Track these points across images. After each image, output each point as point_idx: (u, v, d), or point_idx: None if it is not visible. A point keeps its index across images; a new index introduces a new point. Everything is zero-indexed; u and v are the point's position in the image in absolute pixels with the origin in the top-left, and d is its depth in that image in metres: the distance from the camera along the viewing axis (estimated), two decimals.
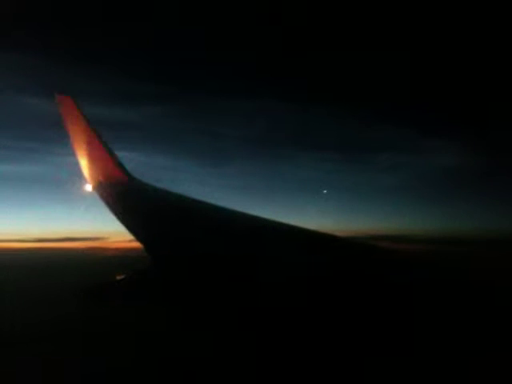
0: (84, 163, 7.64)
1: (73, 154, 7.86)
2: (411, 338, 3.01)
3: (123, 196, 7.19)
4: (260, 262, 4.39)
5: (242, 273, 4.23)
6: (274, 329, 3.41)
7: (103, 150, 7.64)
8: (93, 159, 7.58)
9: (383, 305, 3.42)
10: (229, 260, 4.57)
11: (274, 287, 3.92)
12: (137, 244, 5.65)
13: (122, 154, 8.01)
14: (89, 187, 7.49)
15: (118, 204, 6.78)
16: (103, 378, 12.22)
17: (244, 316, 3.69)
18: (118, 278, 4.61)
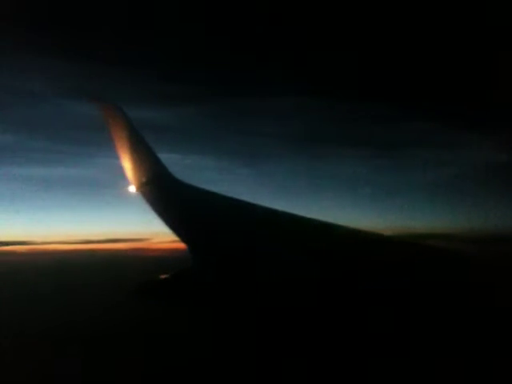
0: (127, 165, 7.80)
1: (116, 157, 8.05)
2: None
3: (166, 197, 7.29)
4: (308, 264, 4.35)
5: (287, 276, 4.18)
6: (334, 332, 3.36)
7: (146, 151, 7.78)
8: (136, 161, 7.71)
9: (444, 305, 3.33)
10: (272, 262, 4.53)
11: (326, 289, 3.86)
12: (180, 245, 5.71)
13: (163, 156, 8.11)
14: (133, 188, 7.62)
15: (162, 205, 6.88)
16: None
17: (289, 320, 3.66)
18: (162, 277, 4.67)
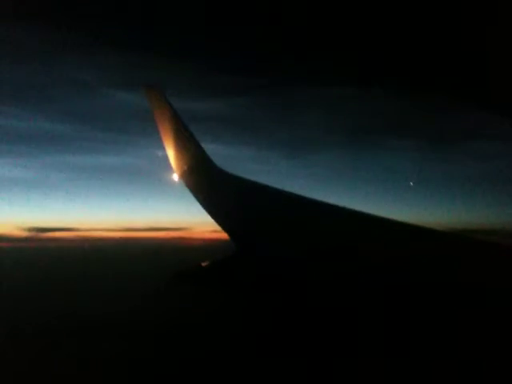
0: (171, 153, 7.85)
1: (160, 146, 8.11)
2: None
3: (208, 185, 7.30)
4: (353, 257, 4.23)
5: (332, 270, 4.08)
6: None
7: (189, 140, 7.80)
8: (179, 149, 7.75)
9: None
10: (313, 254, 4.44)
11: (372, 284, 3.74)
12: (221, 234, 5.71)
13: (207, 146, 8.13)
14: (175, 177, 7.67)
15: (203, 193, 6.89)
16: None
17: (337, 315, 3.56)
18: (203, 264, 4.67)
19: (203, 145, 8.09)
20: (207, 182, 7.35)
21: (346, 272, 4.00)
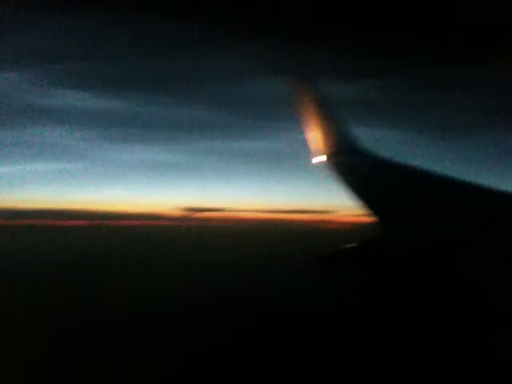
0: (316, 137, 7.96)
1: (301, 131, 8.28)
2: None
3: (356, 169, 7.20)
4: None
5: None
6: None
7: (336, 124, 7.82)
8: (326, 133, 7.81)
9: None
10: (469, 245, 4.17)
11: None
12: (365, 218, 5.62)
13: (353, 129, 8.08)
14: (320, 159, 7.75)
15: (351, 177, 6.81)
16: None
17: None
18: (347, 246, 4.68)
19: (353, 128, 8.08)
20: (355, 165, 7.25)
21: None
